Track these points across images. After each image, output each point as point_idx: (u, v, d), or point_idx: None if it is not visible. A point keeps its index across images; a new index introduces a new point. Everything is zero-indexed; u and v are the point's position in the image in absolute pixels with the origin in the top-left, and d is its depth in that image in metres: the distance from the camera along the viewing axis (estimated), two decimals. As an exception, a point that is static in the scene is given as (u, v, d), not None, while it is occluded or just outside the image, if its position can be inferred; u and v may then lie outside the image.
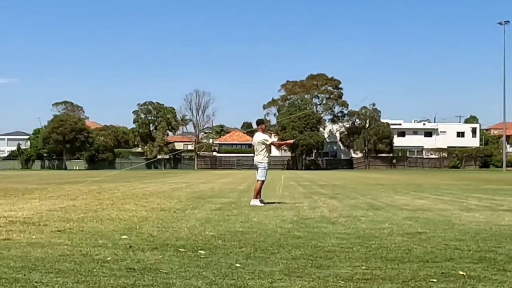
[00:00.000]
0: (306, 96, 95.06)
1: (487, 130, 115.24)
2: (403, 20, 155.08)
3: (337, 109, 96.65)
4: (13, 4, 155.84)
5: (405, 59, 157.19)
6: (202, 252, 6.25)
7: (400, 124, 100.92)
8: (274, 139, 14.26)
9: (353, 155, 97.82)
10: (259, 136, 13.25)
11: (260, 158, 13.06)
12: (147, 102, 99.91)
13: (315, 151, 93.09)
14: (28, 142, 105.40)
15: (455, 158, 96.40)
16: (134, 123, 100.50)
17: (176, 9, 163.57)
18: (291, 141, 12.48)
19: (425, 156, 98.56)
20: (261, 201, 12.77)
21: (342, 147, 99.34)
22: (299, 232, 7.92)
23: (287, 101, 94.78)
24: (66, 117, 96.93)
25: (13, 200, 14.17)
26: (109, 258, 5.83)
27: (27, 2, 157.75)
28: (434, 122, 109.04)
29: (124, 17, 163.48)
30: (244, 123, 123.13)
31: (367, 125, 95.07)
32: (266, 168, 13.05)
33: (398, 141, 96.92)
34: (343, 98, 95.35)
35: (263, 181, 12.97)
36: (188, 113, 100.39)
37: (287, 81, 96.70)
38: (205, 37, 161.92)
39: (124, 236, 7.40)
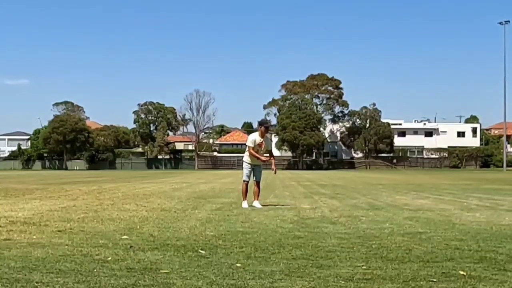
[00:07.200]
0: (306, 96, 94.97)
1: (487, 130, 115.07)
2: (403, 20, 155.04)
3: (337, 109, 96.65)
4: (13, 4, 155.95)
5: (405, 59, 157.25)
6: (203, 252, 6.25)
7: (400, 124, 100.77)
8: (271, 145, 13.72)
9: (354, 155, 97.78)
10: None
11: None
12: (148, 102, 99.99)
13: (316, 151, 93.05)
14: (29, 142, 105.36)
15: (455, 158, 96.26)
16: (134, 123, 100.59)
17: (176, 9, 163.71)
18: (264, 158, 11.84)
19: (425, 156, 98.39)
20: (249, 204, 12.08)
21: (343, 147, 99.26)
22: (299, 232, 7.92)
23: (288, 101, 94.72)
24: (66, 117, 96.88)
25: (14, 200, 14.18)
26: (109, 258, 5.84)
27: (27, 2, 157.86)
28: (435, 122, 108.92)
29: (124, 17, 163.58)
30: (244, 123, 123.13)
31: (367, 125, 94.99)
32: (245, 167, 12.45)
33: (398, 141, 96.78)
34: (344, 98, 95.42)
35: (243, 181, 12.40)
36: (188, 113, 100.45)
37: (287, 81, 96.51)
38: (205, 37, 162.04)
39: (125, 236, 7.40)
